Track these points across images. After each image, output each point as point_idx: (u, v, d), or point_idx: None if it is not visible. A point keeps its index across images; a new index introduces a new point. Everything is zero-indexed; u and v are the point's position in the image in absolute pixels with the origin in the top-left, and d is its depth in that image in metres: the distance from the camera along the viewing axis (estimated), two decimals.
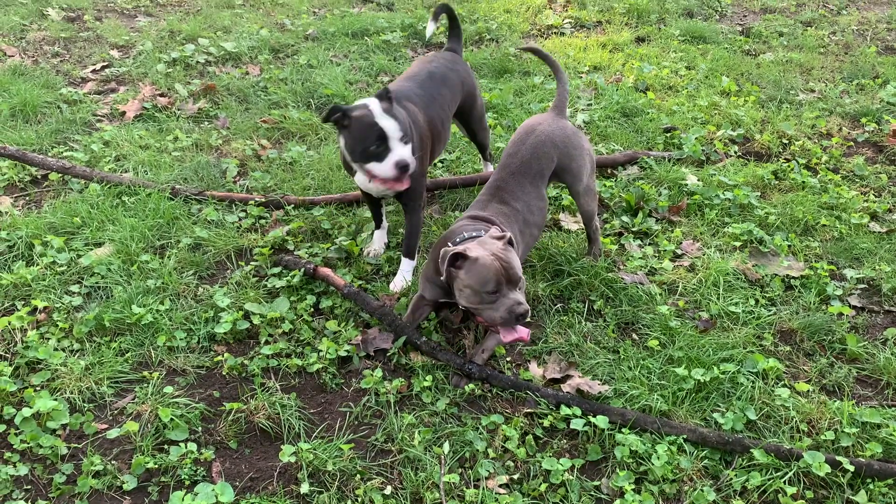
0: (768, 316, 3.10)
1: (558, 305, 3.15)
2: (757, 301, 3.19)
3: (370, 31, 6.04)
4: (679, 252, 3.50)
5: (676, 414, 2.61)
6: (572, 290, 3.23)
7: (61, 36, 5.68)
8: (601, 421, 2.52)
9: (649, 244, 3.56)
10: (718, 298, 3.16)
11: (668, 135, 4.54)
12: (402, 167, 2.91)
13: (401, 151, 2.90)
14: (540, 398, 2.62)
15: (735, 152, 4.45)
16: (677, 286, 3.26)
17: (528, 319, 2.71)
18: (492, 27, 6.25)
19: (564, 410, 2.57)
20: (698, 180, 4.01)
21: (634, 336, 3.01)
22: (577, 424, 2.52)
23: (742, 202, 3.84)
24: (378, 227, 3.44)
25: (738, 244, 3.52)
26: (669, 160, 4.23)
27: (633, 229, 3.66)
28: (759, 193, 3.96)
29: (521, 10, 6.75)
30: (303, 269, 3.13)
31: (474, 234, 2.80)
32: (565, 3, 6.97)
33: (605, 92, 5.08)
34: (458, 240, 2.78)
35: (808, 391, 2.74)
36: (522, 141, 3.14)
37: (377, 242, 3.44)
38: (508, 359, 2.88)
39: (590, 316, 3.10)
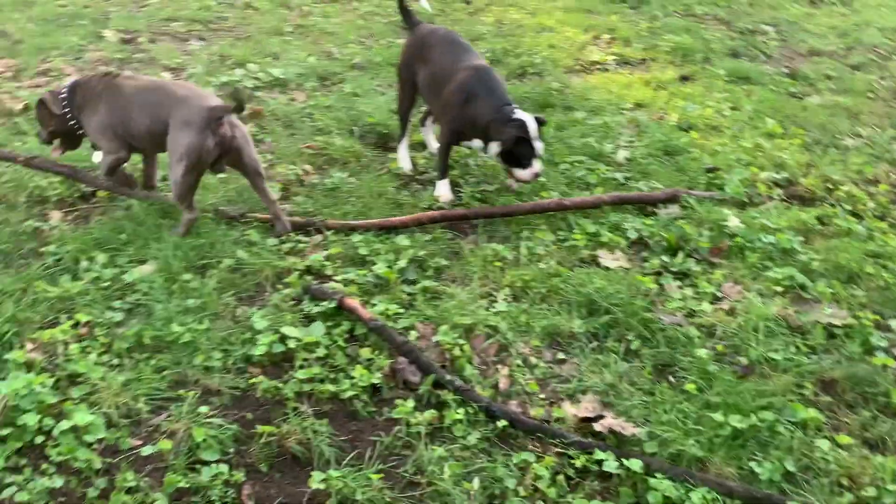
0: (809, 364, 3.03)
1: (594, 344, 3.12)
2: (798, 348, 3.13)
3: None
4: (719, 294, 3.46)
5: (712, 461, 2.56)
6: (609, 329, 3.20)
7: (116, 57, 5.85)
8: (634, 464, 2.48)
9: (689, 285, 3.52)
10: (758, 344, 3.11)
11: (711, 175, 4.50)
12: None
13: None
14: (567, 445, 2.58)
15: (778, 195, 4.39)
16: (716, 329, 3.22)
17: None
18: (535, 61, 6.29)
19: (598, 454, 2.53)
20: (740, 222, 3.96)
21: (671, 378, 2.97)
22: (609, 467, 2.49)
23: (785, 246, 3.78)
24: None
25: (779, 289, 3.47)
26: (711, 200, 4.19)
27: (673, 269, 3.62)
28: (802, 238, 3.89)
29: (566, 45, 6.78)
30: (329, 300, 3.13)
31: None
32: (610, 39, 7.00)
33: (648, 129, 5.07)
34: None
35: (850, 444, 2.67)
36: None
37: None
38: (542, 396, 2.86)
39: (626, 356, 3.07)
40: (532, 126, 3.85)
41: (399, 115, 4.50)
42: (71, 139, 3.87)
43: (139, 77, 3.90)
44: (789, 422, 2.72)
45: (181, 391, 2.75)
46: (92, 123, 3.68)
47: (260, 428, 2.60)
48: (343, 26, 6.95)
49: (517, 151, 3.87)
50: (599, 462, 2.52)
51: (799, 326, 3.26)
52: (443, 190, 4.11)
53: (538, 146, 3.88)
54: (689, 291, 3.45)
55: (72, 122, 3.74)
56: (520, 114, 3.88)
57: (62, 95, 3.73)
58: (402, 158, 4.45)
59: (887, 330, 3.29)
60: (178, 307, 3.12)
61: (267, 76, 5.61)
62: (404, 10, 4.52)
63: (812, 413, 2.74)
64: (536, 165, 3.91)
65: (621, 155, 4.72)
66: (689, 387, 2.85)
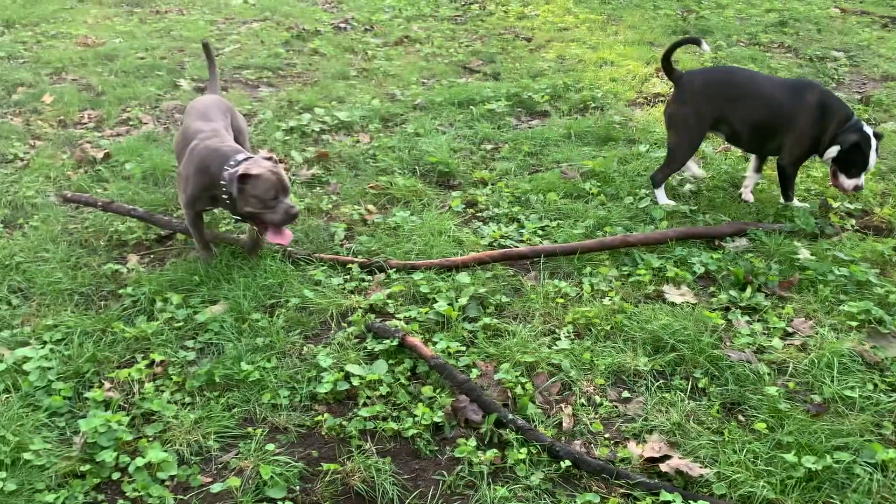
0: (888, 402, 2.90)
1: (660, 382, 3.06)
2: (875, 386, 3.00)
3: (476, 100, 6.20)
4: (790, 330, 3.36)
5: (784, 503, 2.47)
6: (675, 366, 3.14)
7: None
8: None
9: (758, 321, 3.43)
10: (832, 381, 3.00)
11: (781, 206, 4.40)
12: None
13: None
14: (632, 486, 2.53)
15: (852, 226, 4.25)
16: (787, 366, 3.12)
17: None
18: (597, 95, 6.30)
19: (665, 495, 2.47)
20: (811, 255, 3.85)
21: (740, 417, 2.88)
22: None
23: (859, 279, 3.64)
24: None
25: (854, 324, 3.34)
26: (780, 233, 4.09)
27: (741, 304, 3.53)
28: (878, 270, 3.75)
29: (628, 78, 6.77)
30: (391, 338, 3.18)
31: (243, 155, 3.51)
32: None
33: (714, 161, 5.00)
34: (232, 162, 3.46)
35: None
36: (201, 106, 4.02)
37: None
38: (607, 435, 2.82)
39: (693, 394, 3.00)
40: (873, 142, 4.10)
41: (681, 163, 4.49)
42: None
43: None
44: (868, 463, 2.60)
45: (249, 429, 2.82)
46: None
47: (325, 466, 2.64)
48: (405, 68, 7.11)
49: (851, 159, 4.10)
50: None
51: (876, 363, 3.13)
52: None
53: (872, 160, 4.12)
54: (758, 327, 3.36)
55: None
56: (866, 128, 4.13)
57: None
58: (662, 196, 4.52)
59: None
60: (247, 346, 3.21)
61: (333, 119, 5.77)
62: (668, 64, 4.44)
63: (892, 454, 2.61)
64: (861, 179, 4.15)
65: (686, 187, 4.66)
66: (759, 426, 2.77)
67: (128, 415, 2.84)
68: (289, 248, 3.89)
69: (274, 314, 3.45)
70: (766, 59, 7.24)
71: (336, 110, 5.94)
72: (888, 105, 6.15)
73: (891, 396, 2.95)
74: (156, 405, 2.87)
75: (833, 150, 4.12)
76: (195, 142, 3.64)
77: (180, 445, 2.73)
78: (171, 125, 5.75)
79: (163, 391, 3.00)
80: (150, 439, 2.75)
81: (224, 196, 3.49)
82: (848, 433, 2.73)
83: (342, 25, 8.54)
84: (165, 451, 2.67)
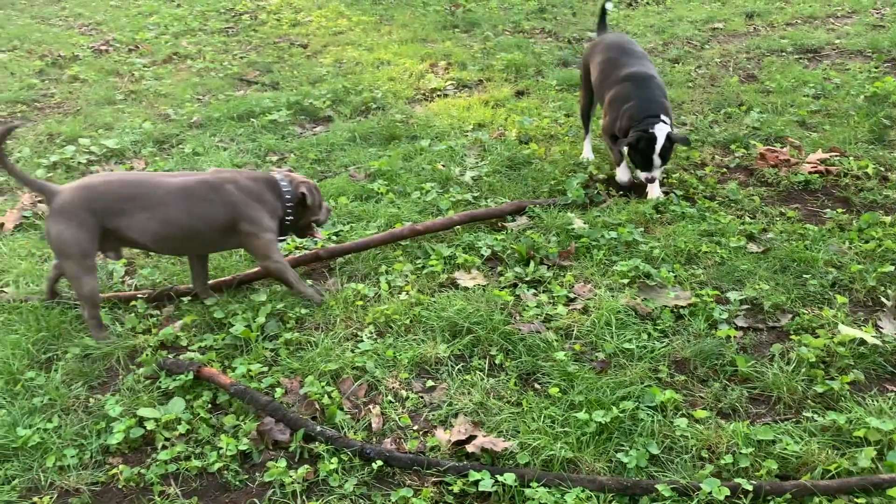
0: (661, 348, 3.19)
1: (460, 365, 3.17)
2: (649, 335, 3.29)
3: (256, 111, 6.07)
4: (572, 296, 3.59)
5: (583, 460, 2.64)
6: (473, 348, 3.26)
7: None
8: (508, 478, 2.52)
9: (543, 292, 3.64)
10: (612, 337, 3.25)
11: (553, 182, 4.69)
12: None
13: None
14: (443, 473, 2.60)
15: (618, 192, 4.62)
16: (573, 330, 3.34)
17: None
18: (377, 96, 6.38)
19: (473, 475, 2.56)
20: (584, 223, 4.15)
21: (536, 386, 3.05)
22: (485, 486, 2.52)
23: (627, 239, 3.98)
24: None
25: (626, 281, 3.64)
26: (555, 207, 4.36)
27: (527, 279, 3.74)
28: (642, 229, 4.12)
29: (405, 76, 6.92)
30: (185, 372, 3.04)
31: (279, 174, 3.64)
32: (446, 65, 7.19)
33: (491, 148, 5.23)
34: (285, 182, 3.58)
35: (706, 417, 2.82)
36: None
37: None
38: (415, 427, 2.87)
39: (492, 371, 3.13)
40: (658, 144, 4.28)
41: (581, 116, 5.23)
42: None
43: None
44: (649, 407, 2.85)
45: (35, 499, 2.57)
46: None
47: None
48: (178, 86, 6.80)
49: (634, 157, 4.41)
50: (476, 483, 2.55)
51: (648, 313, 3.43)
52: (620, 174, 4.68)
53: (655, 161, 4.34)
54: (544, 298, 3.57)
55: None
56: (658, 129, 4.28)
57: None
58: (586, 150, 5.15)
59: (726, 302, 3.52)
60: (22, 409, 2.93)
61: (101, 149, 5.41)
62: (602, 18, 5.43)
63: (669, 394, 2.88)
64: (652, 173, 4.42)
65: (468, 176, 4.84)
66: (553, 391, 2.94)
67: None
68: (63, 294, 3.60)
69: (51, 369, 3.17)
70: (530, 46, 7.68)
71: (104, 138, 5.56)
72: None
73: (663, 342, 3.25)
74: None
75: (624, 148, 4.43)
76: (228, 188, 3.41)
77: None
78: None
79: None
80: None
81: (289, 215, 3.58)
82: (630, 383, 2.97)
83: (103, 48, 8.00)
84: None
